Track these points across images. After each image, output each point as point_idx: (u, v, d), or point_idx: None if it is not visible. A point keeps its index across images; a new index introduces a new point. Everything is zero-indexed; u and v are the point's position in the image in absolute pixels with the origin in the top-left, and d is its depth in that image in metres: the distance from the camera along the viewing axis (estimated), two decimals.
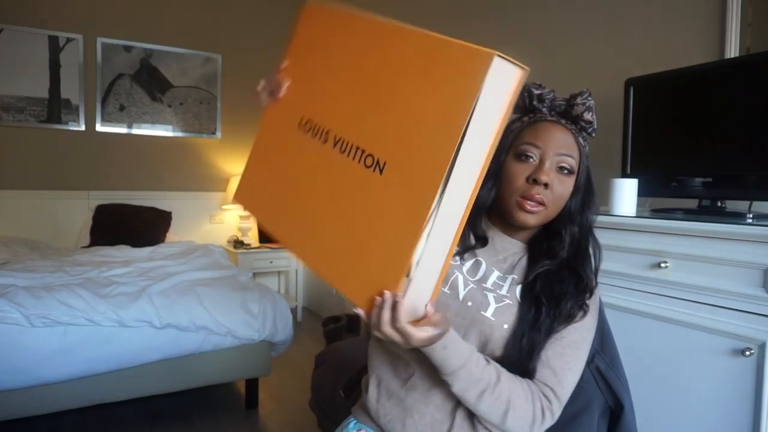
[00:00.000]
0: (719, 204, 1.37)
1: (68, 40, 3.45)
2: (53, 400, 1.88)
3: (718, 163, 1.35)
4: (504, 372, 0.80)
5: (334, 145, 0.74)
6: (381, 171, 0.67)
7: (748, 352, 1.05)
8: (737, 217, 1.21)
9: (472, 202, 0.64)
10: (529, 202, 0.83)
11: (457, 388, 0.77)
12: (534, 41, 2.23)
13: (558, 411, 0.82)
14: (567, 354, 0.83)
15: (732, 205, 1.38)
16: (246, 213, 0.93)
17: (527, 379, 0.82)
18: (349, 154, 0.71)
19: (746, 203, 1.34)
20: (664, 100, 1.49)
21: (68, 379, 1.85)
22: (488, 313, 0.84)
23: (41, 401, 1.86)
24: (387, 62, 0.71)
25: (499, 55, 0.61)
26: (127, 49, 3.65)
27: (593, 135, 0.90)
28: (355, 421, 0.95)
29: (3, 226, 3.23)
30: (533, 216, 0.84)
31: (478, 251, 0.90)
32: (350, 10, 0.79)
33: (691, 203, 1.45)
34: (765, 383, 1.04)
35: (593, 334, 0.89)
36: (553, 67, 2.11)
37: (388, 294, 0.63)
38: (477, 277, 0.88)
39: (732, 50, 1.51)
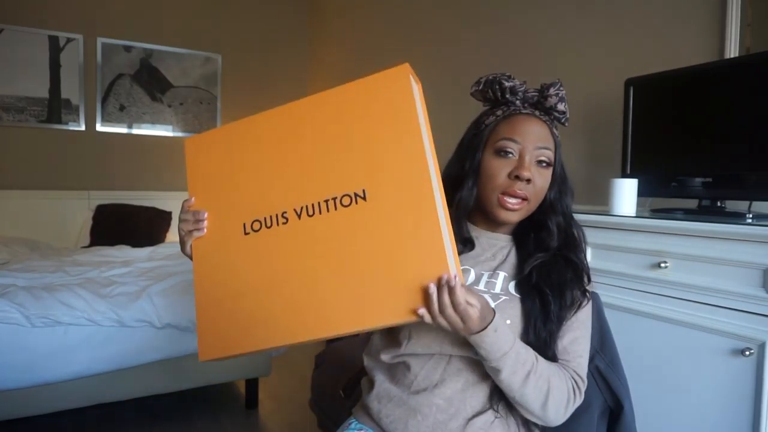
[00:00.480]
0: (719, 204, 1.37)
1: (68, 40, 3.45)
2: (53, 400, 1.88)
3: (718, 163, 1.35)
4: (538, 354, 0.82)
5: (299, 216, 0.76)
6: (364, 198, 0.72)
7: (748, 352, 1.05)
8: (737, 217, 1.21)
9: (440, 181, 0.72)
10: (511, 199, 0.84)
11: (506, 373, 0.77)
12: (534, 41, 2.23)
13: (584, 389, 0.85)
14: (579, 336, 0.87)
15: (732, 205, 1.38)
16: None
17: (556, 363, 0.84)
18: (321, 212, 0.74)
19: (746, 203, 1.34)
20: (664, 100, 1.49)
21: (68, 379, 1.85)
22: None
23: (41, 401, 1.86)
24: (313, 128, 0.77)
25: (408, 66, 0.73)
26: (127, 49, 3.65)
27: (566, 125, 0.90)
28: (355, 421, 0.95)
29: (3, 226, 3.23)
30: (516, 213, 0.85)
31: (464, 258, 0.89)
32: (230, 124, 0.84)
33: (691, 203, 1.45)
34: (765, 383, 1.04)
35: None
36: (553, 67, 2.11)
37: (444, 276, 0.66)
38: (468, 282, 0.88)
39: (732, 50, 1.51)
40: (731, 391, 1.10)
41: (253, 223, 0.79)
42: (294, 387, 2.55)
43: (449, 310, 0.68)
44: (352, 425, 0.94)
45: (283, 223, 0.77)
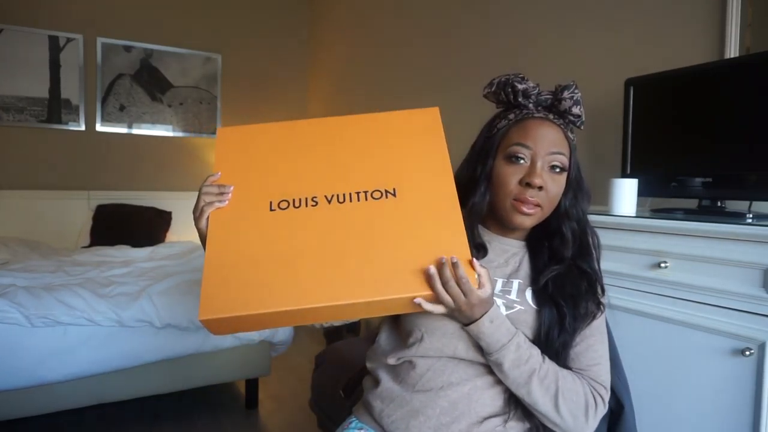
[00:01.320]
0: (719, 204, 1.37)
1: (68, 40, 3.45)
2: (53, 400, 1.88)
3: (718, 163, 1.35)
4: (546, 356, 0.82)
5: (329, 201, 0.79)
6: (394, 195, 0.79)
7: (748, 352, 1.05)
8: (737, 217, 1.21)
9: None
10: (524, 205, 0.82)
11: (507, 366, 0.78)
12: (534, 41, 2.23)
13: (607, 397, 0.84)
14: (594, 343, 0.86)
15: (732, 205, 1.38)
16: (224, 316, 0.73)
17: (568, 369, 0.84)
18: (351, 200, 0.79)
19: (746, 203, 1.33)
20: (664, 100, 1.49)
21: (68, 379, 1.85)
22: None
23: (41, 401, 1.86)
24: (349, 138, 0.86)
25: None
26: (127, 49, 3.65)
27: (581, 128, 0.88)
28: (356, 420, 0.95)
29: (3, 226, 3.23)
30: (530, 218, 0.84)
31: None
32: (267, 123, 0.90)
33: (691, 203, 1.45)
34: (765, 383, 1.04)
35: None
36: (554, 67, 2.12)
37: (443, 258, 0.72)
38: None
39: (732, 50, 1.51)
40: (731, 391, 1.10)
41: (280, 202, 0.80)
42: (294, 387, 2.55)
43: (452, 282, 0.71)
44: (353, 424, 0.94)
45: (312, 206, 0.79)
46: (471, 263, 0.73)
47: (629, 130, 1.55)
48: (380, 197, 0.79)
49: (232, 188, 0.81)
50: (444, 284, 0.71)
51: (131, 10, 3.66)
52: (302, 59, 4.30)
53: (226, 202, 0.80)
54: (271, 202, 0.80)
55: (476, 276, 0.73)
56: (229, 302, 0.73)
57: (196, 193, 0.83)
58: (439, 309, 0.74)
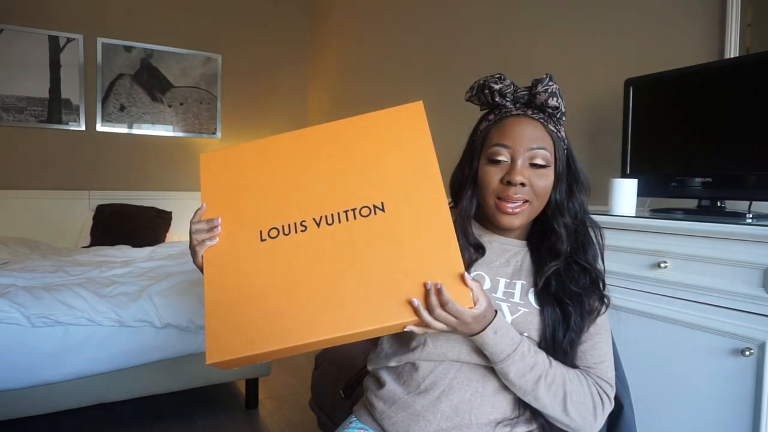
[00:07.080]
0: (719, 204, 1.37)
1: (68, 40, 3.46)
2: (53, 400, 1.88)
3: (717, 163, 1.35)
4: (553, 359, 0.82)
5: (318, 224, 0.79)
6: (383, 209, 0.78)
7: (747, 352, 1.05)
8: (737, 217, 1.21)
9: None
10: (509, 204, 0.82)
11: (513, 375, 0.78)
12: (534, 41, 2.23)
13: (612, 394, 0.84)
14: (599, 341, 0.86)
15: (732, 205, 1.38)
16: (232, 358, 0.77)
17: (575, 369, 0.84)
18: (340, 221, 0.78)
19: (746, 203, 1.34)
20: (664, 100, 1.49)
21: (68, 379, 1.85)
22: None
23: (41, 401, 1.86)
24: (333, 149, 0.83)
25: (422, 102, 0.83)
26: (127, 49, 3.66)
27: (563, 119, 0.87)
28: (357, 420, 0.95)
29: (3, 226, 3.23)
30: (517, 217, 0.84)
31: (477, 265, 0.88)
32: (248, 143, 0.87)
33: (691, 203, 1.45)
34: (765, 383, 1.04)
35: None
36: (554, 67, 2.12)
37: (428, 283, 0.71)
38: (485, 288, 0.86)
39: (732, 50, 1.51)
40: (731, 391, 1.10)
41: (270, 230, 0.80)
42: (294, 387, 2.55)
43: (438, 310, 0.70)
44: (353, 425, 0.94)
45: (302, 231, 0.79)
46: (463, 278, 0.72)
47: (629, 130, 1.55)
48: (369, 214, 0.77)
49: (220, 221, 0.81)
50: (431, 312, 0.71)
51: (131, 10, 3.66)
52: (303, 58, 4.30)
53: (217, 239, 0.80)
54: (261, 232, 0.80)
55: (470, 293, 0.71)
56: (233, 344, 0.76)
57: (197, 193, 0.83)
58: (432, 330, 0.73)
